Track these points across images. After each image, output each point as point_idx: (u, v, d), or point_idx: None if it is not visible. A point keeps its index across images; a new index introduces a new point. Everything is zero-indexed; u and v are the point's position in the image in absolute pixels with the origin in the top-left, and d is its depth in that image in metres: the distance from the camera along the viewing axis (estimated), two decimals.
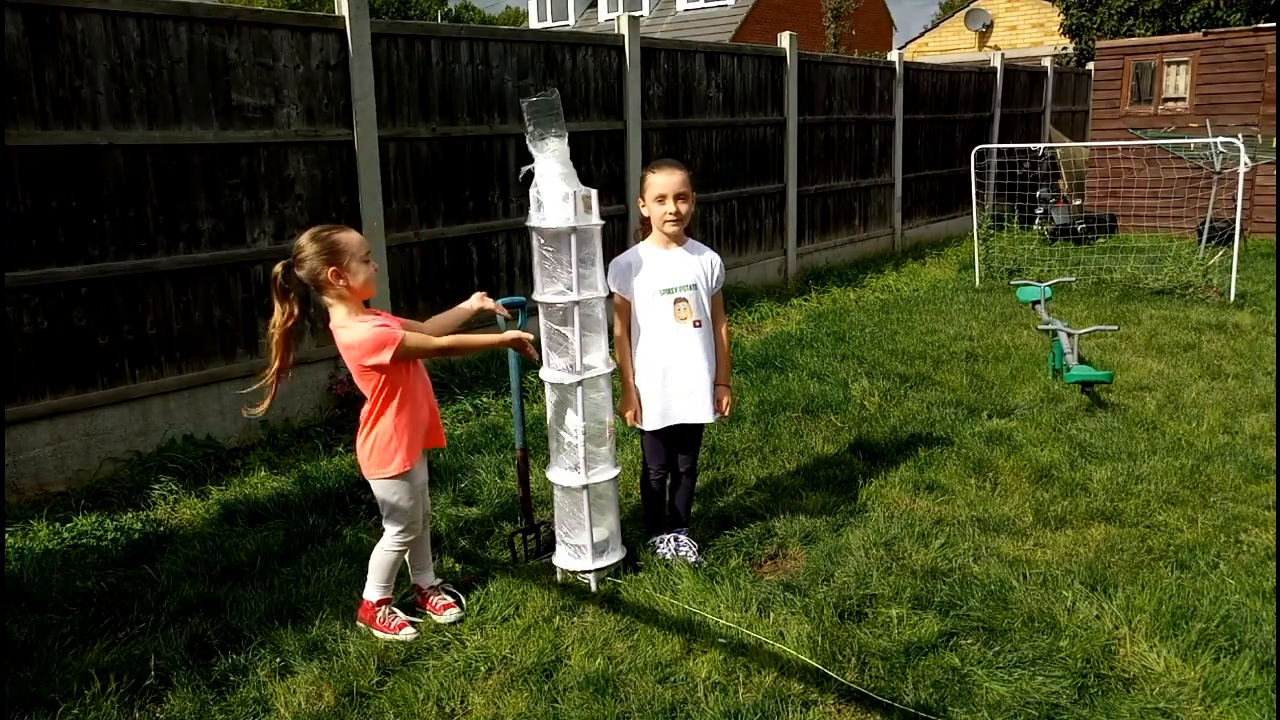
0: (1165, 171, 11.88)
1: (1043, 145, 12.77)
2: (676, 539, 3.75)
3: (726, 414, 3.74)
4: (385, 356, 2.99)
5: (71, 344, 4.59)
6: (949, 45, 24.93)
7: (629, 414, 3.64)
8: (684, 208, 3.52)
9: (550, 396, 3.50)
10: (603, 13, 25.48)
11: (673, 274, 3.57)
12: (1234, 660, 2.94)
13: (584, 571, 3.51)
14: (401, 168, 6.00)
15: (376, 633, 3.25)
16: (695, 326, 3.59)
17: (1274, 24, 11.93)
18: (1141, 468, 4.51)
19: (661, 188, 3.50)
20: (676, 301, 3.57)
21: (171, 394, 4.95)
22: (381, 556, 3.29)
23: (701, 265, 3.63)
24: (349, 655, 3.08)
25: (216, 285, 5.10)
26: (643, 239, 3.68)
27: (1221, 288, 8.56)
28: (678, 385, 3.59)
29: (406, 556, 3.44)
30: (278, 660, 3.07)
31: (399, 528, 3.24)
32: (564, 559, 3.56)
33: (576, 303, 3.35)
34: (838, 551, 3.72)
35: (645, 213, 3.61)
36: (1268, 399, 5.52)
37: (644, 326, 3.59)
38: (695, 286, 3.60)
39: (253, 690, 2.93)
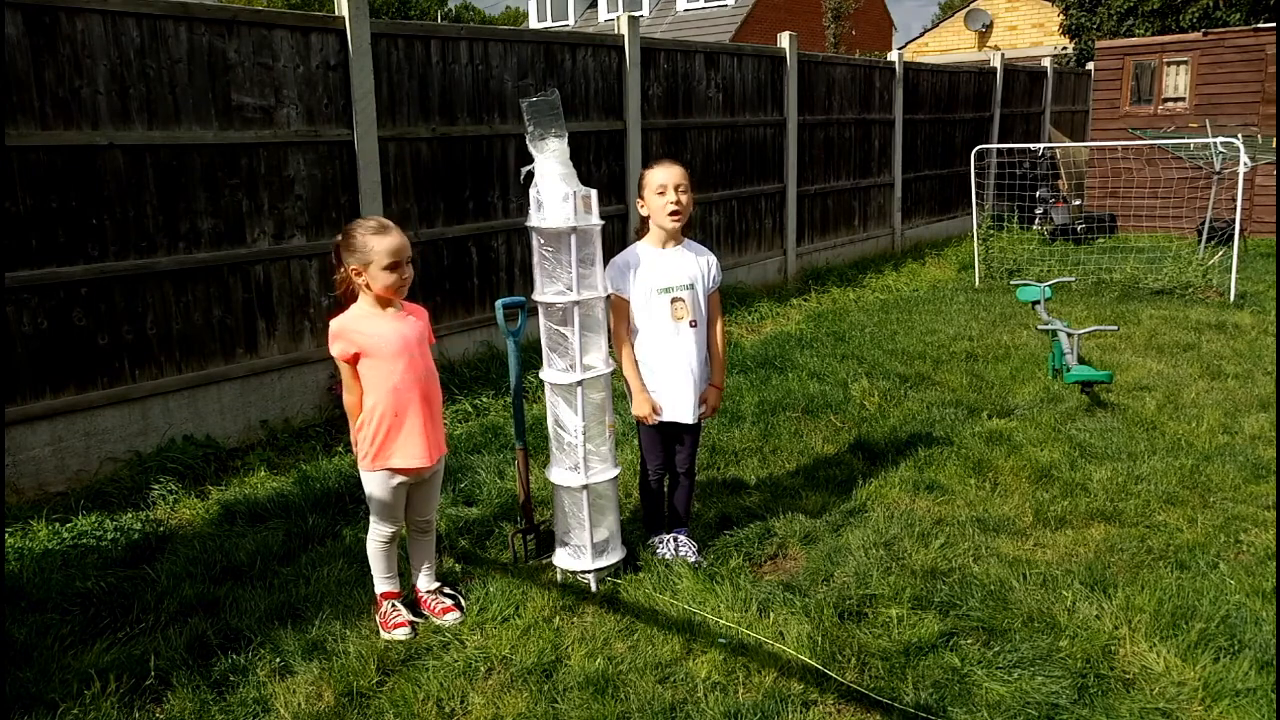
0: (1165, 171, 11.88)
1: (1043, 145, 12.77)
2: (676, 539, 3.74)
3: (707, 414, 3.69)
4: (333, 349, 3.18)
5: (71, 344, 4.59)
6: (949, 45, 24.95)
7: (646, 413, 3.57)
8: (685, 199, 3.51)
9: (550, 396, 3.50)
10: (603, 13, 25.48)
11: (670, 273, 3.56)
12: (1234, 660, 2.94)
13: (584, 571, 3.51)
14: (401, 168, 6.00)
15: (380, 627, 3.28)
16: (691, 326, 3.58)
17: (1274, 24, 11.93)
18: (1141, 468, 4.51)
19: (662, 179, 3.49)
20: (674, 301, 3.55)
21: (171, 394, 4.95)
22: (368, 547, 3.35)
23: (699, 265, 3.62)
24: (349, 655, 3.08)
25: (216, 285, 5.10)
26: (640, 240, 3.67)
27: (1221, 288, 8.56)
28: (667, 384, 3.59)
29: (409, 559, 3.46)
30: (278, 660, 3.07)
31: (375, 517, 3.31)
32: (564, 559, 3.56)
33: (576, 303, 3.35)
34: (838, 551, 3.71)
35: (644, 211, 3.59)
36: (1268, 399, 5.52)
37: (640, 325, 3.59)
38: (692, 286, 3.58)
39: (253, 690, 2.93)
